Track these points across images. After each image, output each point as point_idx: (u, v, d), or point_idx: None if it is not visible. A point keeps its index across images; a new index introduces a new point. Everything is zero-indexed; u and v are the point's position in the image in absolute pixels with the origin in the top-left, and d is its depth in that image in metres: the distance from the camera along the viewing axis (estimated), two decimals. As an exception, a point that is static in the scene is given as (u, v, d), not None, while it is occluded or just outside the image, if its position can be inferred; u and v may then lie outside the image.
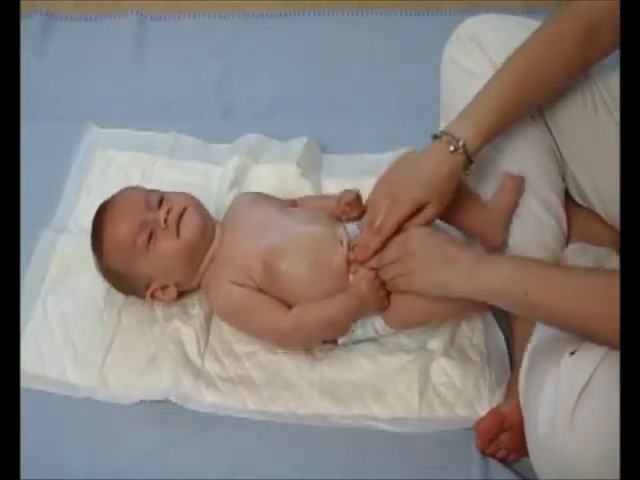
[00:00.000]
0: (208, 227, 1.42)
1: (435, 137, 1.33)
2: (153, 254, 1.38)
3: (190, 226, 1.39)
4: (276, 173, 1.66)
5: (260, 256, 1.37)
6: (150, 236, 1.38)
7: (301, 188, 1.62)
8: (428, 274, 1.27)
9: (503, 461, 1.32)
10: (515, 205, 1.41)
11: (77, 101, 1.89)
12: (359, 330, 1.39)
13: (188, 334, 1.44)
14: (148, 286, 1.43)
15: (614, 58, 1.41)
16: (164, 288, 1.43)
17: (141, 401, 1.38)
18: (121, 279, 1.44)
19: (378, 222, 1.32)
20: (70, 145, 1.75)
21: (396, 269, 1.30)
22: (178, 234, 1.38)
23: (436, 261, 1.27)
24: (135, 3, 2.11)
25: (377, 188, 1.35)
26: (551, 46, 1.33)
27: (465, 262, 1.24)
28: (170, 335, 1.44)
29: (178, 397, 1.37)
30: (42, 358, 1.43)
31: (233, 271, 1.38)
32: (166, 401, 1.37)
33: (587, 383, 1.10)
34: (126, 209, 1.41)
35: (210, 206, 1.58)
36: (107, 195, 1.48)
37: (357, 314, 1.36)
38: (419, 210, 1.31)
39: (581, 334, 1.13)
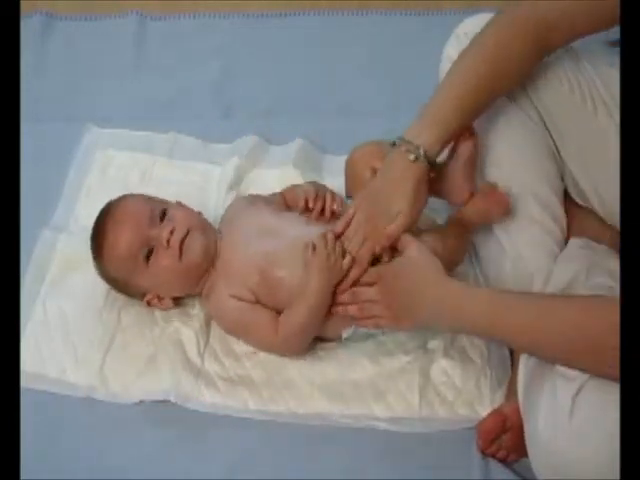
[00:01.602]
0: (211, 248, 1.41)
1: (393, 144, 1.32)
2: (153, 270, 1.39)
3: (194, 250, 1.39)
4: (274, 176, 1.66)
5: (256, 265, 1.38)
6: (150, 252, 1.38)
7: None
8: (401, 323, 1.31)
9: (503, 461, 1.32)
10: (475, 154, 1.38)
11: (77, 101, 1.89)
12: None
13: (188, 334, 1.44)
14: (144, 295, 1.44)
15: (614, 58, 1.41)
16: (160, 299, 1.44)
17: (141, 401, 1.38)
18: (119, 285, 1.45)
19: (354, 253, 1.33)
20: (70, 145, 1.75)
21: (376, 310, 1.31)
22: (180, 255, 1.38)
23: (406, 307, 1.29)
24: (135, 3, 2.10)
25: (356, 205, 1.35)
26: (507, 45, 1.32)
27: (429, 304, 1.26)
28: (170, 335, 1.44)
29: (178, 397, 1.37)
30: (42, 358, 1.43)
31: (232, 283, 1.39)
32: (166, 401, 1.37)
33: (584, 385, 1.10)
34: (128, 221, 1.40)
35: (209, 206, 1.58)
36: (107, 195, 1.48)
37: (328, 287, 1.34)
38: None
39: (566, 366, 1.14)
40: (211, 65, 1.97)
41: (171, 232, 1.38)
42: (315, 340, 1.43)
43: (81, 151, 1.74)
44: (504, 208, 1.39)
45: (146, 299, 1.44)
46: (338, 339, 1.41)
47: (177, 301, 1.47)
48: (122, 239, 1.38)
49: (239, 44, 2.02)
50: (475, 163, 1.39)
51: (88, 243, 1.44)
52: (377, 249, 1.33)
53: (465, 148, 1.37)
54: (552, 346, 1.14)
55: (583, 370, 1.11)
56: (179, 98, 1.90)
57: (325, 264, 1.32)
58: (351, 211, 1.35)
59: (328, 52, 2.00)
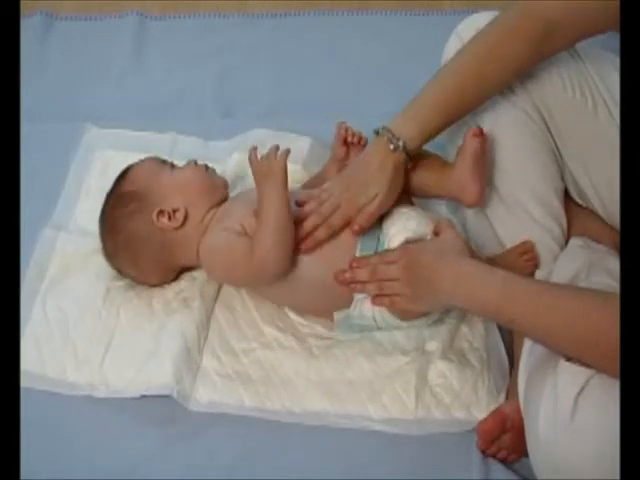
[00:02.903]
0: (227, 185, 1.51)
1: (377, 133, 1.37)
2: (178, 173, 1.47)
3: (216, 174, 1.51)
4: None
5: (255, 211, 1.39)
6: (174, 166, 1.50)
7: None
8: (418, 300, 1.31)
9: (503, 462, 1.32)
10: (482, 152, 1.39)
11: (77, 101, 1.89)
12: (356, 311, 1.38)
13: (188, 330, 1.43)
14: (155, 212, 1.42)
15: (614, 58, 1.42)
16: (173, 213, 1.42)
17: (142, 396, 1.38)
18: (131, 201, 1.43)
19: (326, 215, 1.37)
20: (70, 145, 1.75)
21: (395, 288, 1.32)
22: (206, 171, 1.49)
23: (423, 285, 1.29)
24: (135, 3, 2.11)
25: (332, 186, 1.39)
26: (504, 46, 1.34)
27: (445, 283, 1.26)
28: (170, 330, 1.44)
29: (178, 392, 1.37)
30: (42, 358, 1.43)
31: (228, 219, 1.42)
32: (166, 397, 1.37)
33: (585, 385, 1.10)
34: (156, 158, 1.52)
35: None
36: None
37: (269, 188, 1.35)
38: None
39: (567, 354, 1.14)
40: (211, 65, 1.97)
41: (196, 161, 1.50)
42: (311, 338, 1.44)
43: (81, 151, 1.74)
44: (531, 268, 1.43)
45: (159, 209, 1.42)
46: (331, 319, 1.41)
47: (178, 274, 1.50)
48: (150, 158, 1.51)
49: (239, 44, 2.03)
50: (483, 161, 1.40)
51: (88, 242, 1.44)
52: (356, 228, 1.36)
53: (471, 147, 1.38)
54: (558, 336, 1.14)
55: (588, 363, 1.11)
56: (179, 98, 1.90)
57: (257, 170, 1.37)
58: (326, 185, 1.41)
59: (328, 52, 2.00)
